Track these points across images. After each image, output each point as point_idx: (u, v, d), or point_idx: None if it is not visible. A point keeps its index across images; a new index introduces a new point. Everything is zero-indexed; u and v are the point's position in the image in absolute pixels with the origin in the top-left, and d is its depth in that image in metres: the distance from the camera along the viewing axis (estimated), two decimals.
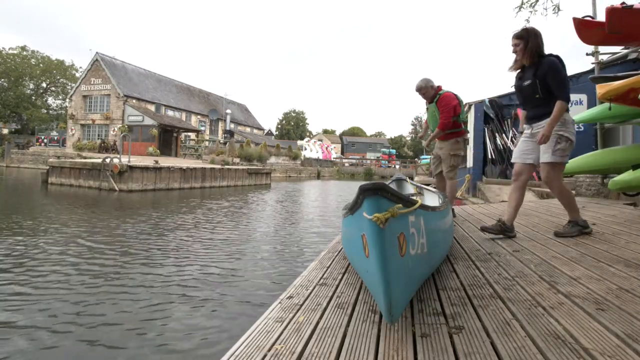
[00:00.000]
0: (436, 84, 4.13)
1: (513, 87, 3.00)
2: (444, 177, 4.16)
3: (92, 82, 29.22)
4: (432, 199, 3.90)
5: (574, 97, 9.43)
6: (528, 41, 2.70)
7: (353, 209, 1.38)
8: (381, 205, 1.23)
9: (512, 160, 3.02)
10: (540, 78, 2.68)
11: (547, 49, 2.80)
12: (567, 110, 2.69)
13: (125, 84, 29.22)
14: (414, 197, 1.50)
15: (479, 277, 1.94)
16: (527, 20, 6.91)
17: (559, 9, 6.51)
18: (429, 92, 4.07)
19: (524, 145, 2.92)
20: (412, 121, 74.71)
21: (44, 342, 2.46)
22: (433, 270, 1.98)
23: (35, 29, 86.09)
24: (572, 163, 5.20)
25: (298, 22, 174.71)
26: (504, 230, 2.85)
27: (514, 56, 2.85)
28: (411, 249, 1.40)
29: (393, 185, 4.53)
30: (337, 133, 77.47)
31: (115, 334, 2.60)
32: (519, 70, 2.89)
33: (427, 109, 4.23)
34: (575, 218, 2.87)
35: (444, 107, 3.97)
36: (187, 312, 3.01)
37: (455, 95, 4.10)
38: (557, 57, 2.72)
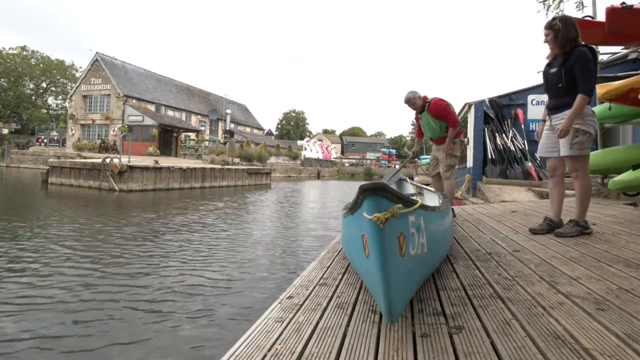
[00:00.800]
0: (423, 93, 4.25)
1: (541, 73, 2.95)
2: (442, 177, 4.24)
3: (92, 82, 29.23)
4: (432, 199, 3.91)
5: None
6: (559, 31, 2.66)
7: (353, 208, 1.38)
8: (381, 205, 1.22)
9: (539, 155, 3.03)
10: (567, 67, 2.65)
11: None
12: (589, 102, 2.65)
13: (125, 84, 29.22)
14: (414, 197, 1.50)
15: (479, 277, 1.93)
16: (557, 12, 6.73)
17: (582, 5, 6.38)
18: (417, 102, 4.18)
19: (547, 139, 2.91)
20: (412, 121, 74.61)
21: (40, 344, 2.46)
22: (433, 271, 1.98)
23: (35, 29, 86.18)
24: None
25: (298, 22, 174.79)
26: (553, 227, 2.87)
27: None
28: (411, 249, 1.40)
29: (393, 186, 4.55)
30: (337, 133, 77.47)
31: (114, 333, 2.60)
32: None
33: (420, 118, 4.27)
34: (580, 217, 2.86)
35: (442, 110, 4.06)
36: (187, 312, 3.01)
37: (442, 99, 4.17)
38: (591, 48, 2.68)
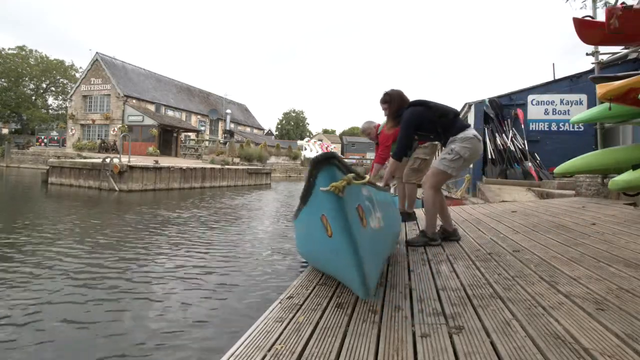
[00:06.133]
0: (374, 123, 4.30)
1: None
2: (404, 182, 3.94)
3: (92, 82, 29.23)
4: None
5: (574, 97, 9.47)
6: (391, 106, 2.94)
7: (306, 196, 1.36)
8: (336, 175, 1.22)
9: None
10: None
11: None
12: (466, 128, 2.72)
13: (125, 84, 29.22)
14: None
15: (479, 277, 1.94)
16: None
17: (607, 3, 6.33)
18: (373, 131, 4.24)
19: None
20: None
21: (42, 339, 2.46)
22: (393, 250, 1.98)
23: (35, 29, 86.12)
24: (572, 163, 5.20)
25: (299, 22, 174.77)
26: (446, 236, 2.91)
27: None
28: (370, 221, 1.41)
29: None
30: (337, 133, 77.45)
31: (113, 333, 2.60)
32: None
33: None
34: (426, 228, 2.85)
35: (385, 140, 3.86)
36: (187, 312, 3.00)
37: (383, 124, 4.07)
38: (414, 104, 2.82)
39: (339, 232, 1.25)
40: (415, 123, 2.72)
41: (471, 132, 2.70)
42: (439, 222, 2.90)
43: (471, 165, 9.82)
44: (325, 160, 1.22)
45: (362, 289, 1.28)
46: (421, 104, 2.78)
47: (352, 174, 1.26)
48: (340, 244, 1.27)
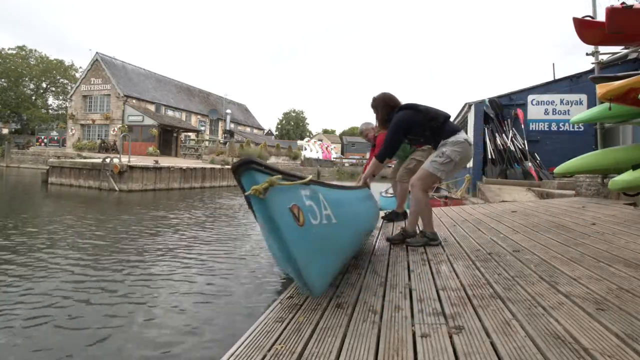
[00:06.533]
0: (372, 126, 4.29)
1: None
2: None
3: (92, 82, 29.23)
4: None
5: (573, 97, 9.47)
6: (378, 112, 2.98)
7: (247, 202, 1.42)
8: (256, 178, 1.27)
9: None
10: None
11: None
12: (457, 132, 2.72)
13: (125, 84, 29.21)
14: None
15: (479, 277, 1.93)
16: None
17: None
18: (370, 133, 4.25)
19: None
20: None
21: (38, 341, 2.46)
22: (360, 245, 2.08)
23: (35, 29, 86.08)
24: (572, 163, 5.20)
25: (299, 22, 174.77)
26: (405, 236, 2.91)
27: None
28: (312, 219, 1.47)
29: None
30: (337, 133, 77.44)
31: (112, 332, 2.59)
32: None
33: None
34: (425, 228, 2.83)
35: (381, 142, 3.89)
36: (186, 312, 3.00)
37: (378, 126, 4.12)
38: (405, 107, 2.82)
39: (268, 232, 1.33)
40: (404, 126, 2.72)
41: (462, 136, 2.68)
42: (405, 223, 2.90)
43: (471, 165, 9.83)
44: (244, 165, 1.27)
45: (303, 287, 1.34)
46: (411, 107, 2.78)
47: (278, 176, 1.31)
48: (272, 240, 1.35)
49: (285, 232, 1.31)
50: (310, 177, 1.52)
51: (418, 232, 2.89)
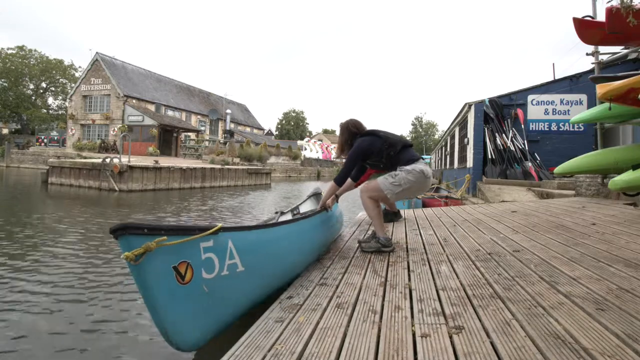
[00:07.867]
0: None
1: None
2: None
3: (92, 82, 29.24)
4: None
5: (573, 97, 9.47)
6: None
7: None
8: (131, 243, 1.26)
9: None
10: None
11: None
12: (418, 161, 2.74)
13: (125, 84, 29.22)
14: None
15: (479, 277, 1.93)
16: None
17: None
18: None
19: None
20: (412, 121, 74.86)
21: (38, 341, 2.46)
22: (281, 283, 2.01)
23: (35, 29, 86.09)
24: (572, 163, 5.20)
25: (299, 21, 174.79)
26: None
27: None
28: (205, 273, 1.44)
29: (309, 203, 4.33)
30: (337, 133, 77.30)
31: (111, 333, 2.59)
32: None
33: None
34: (378, 233, 2.78)
35: None
36: None
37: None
38: (366, 134, 2.87)
39: (140, 292, 1.32)
40: (362, 152, 2.78)
41: (419, 166, 2.68)
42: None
43: (471, 165, 9.84)
44: (120, 230, 1.26)
45: (166, 340, 1.37)
46: (372, 133, 2.85)
47: (162, 238, 1.29)
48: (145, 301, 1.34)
49: (154, 296, 1.30)
50: (220, 225, 1.50)
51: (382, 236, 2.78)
